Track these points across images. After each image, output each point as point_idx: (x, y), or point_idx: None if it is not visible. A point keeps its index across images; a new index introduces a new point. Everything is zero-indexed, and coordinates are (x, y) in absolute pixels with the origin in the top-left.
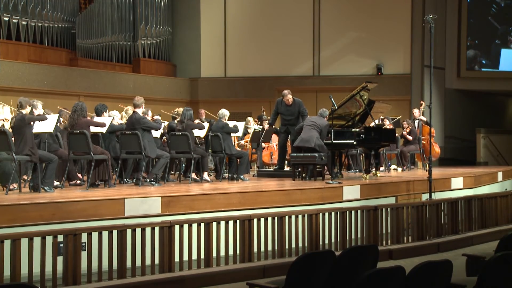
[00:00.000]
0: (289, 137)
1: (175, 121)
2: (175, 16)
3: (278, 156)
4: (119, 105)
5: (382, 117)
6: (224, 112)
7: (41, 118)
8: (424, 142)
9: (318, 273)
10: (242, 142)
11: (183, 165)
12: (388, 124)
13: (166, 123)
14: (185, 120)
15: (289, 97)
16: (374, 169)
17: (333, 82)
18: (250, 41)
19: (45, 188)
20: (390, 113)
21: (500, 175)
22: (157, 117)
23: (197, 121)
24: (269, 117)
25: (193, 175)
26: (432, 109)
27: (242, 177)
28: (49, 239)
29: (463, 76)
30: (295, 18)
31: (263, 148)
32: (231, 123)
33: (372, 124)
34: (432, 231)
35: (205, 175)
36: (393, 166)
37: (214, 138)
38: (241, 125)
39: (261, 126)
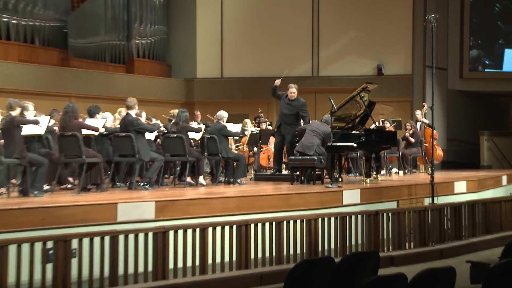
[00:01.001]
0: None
1: (171, 123)
2: (170, 15)
3: (275, 160)
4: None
5: (383, 119)
6: (223, 114)
7: (32, 121)
8: (426, 144)
9: (317, 281)
10: (233, 146)
11: (178, 168)
12: (389, 127)
13: (161, 125)
14: (180, 122)
15: (293, 91)
16: (375, 172)
17: (332, 83)
18: (247, 41)
19: (35, 192)
20: (391, 115)
21: (504, 179)
22: (156, 122)
23: (193, 123)
24: (266, 119)
25: (188, 179)
26: (434, 111)
27: (238, 181)
28: (38, 246)
29: (466, 77)
30: (294, 18)
31: (261, 151)
32: (229, 126)
33: (373, 126)
34: (434, 237)
35: (201, 178)
36: (394, 170)
37: (210, 141)
38: (238, 127)
39: (258, 128)
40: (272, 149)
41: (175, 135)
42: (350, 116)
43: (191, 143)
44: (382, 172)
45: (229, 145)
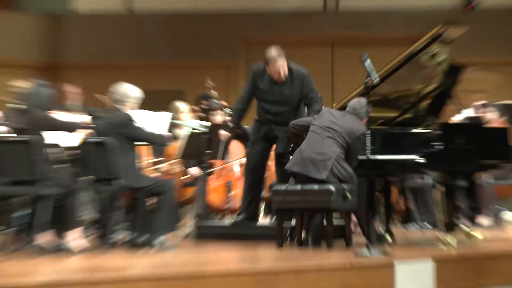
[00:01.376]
0: (272, 147)
1: (13, 111)
2: None
3: (245, 193)
4: None
5: (483, 102)
6: (127, 92)
7: None
8: None
9: None
10: (150, 162)
11: (24, 213)
12: (495, 119)
13: None
14: (33, 110)
15: (280, 66)
16: (466, 221)
17: (367, 25)
18: None
19: None
20: (499, 94)
21: None
22: None
23: (61, 113)
24: (224, 103)
25: (44, 238)
26: None
27: (160, 239)
28: None
29: None
30: None
31: (210, 174)
32: (141, 117)
33: (459, 117)
34: None
35: (73, 236)
36: (509, 214)
37: (98, 150)
38: (163, 119)
39: (207, 123)
40: (237, 169)
41: (19, 138)
42: (409, 97)
43: (45, 158)
44: (483, 221)
45: (139, 161)
